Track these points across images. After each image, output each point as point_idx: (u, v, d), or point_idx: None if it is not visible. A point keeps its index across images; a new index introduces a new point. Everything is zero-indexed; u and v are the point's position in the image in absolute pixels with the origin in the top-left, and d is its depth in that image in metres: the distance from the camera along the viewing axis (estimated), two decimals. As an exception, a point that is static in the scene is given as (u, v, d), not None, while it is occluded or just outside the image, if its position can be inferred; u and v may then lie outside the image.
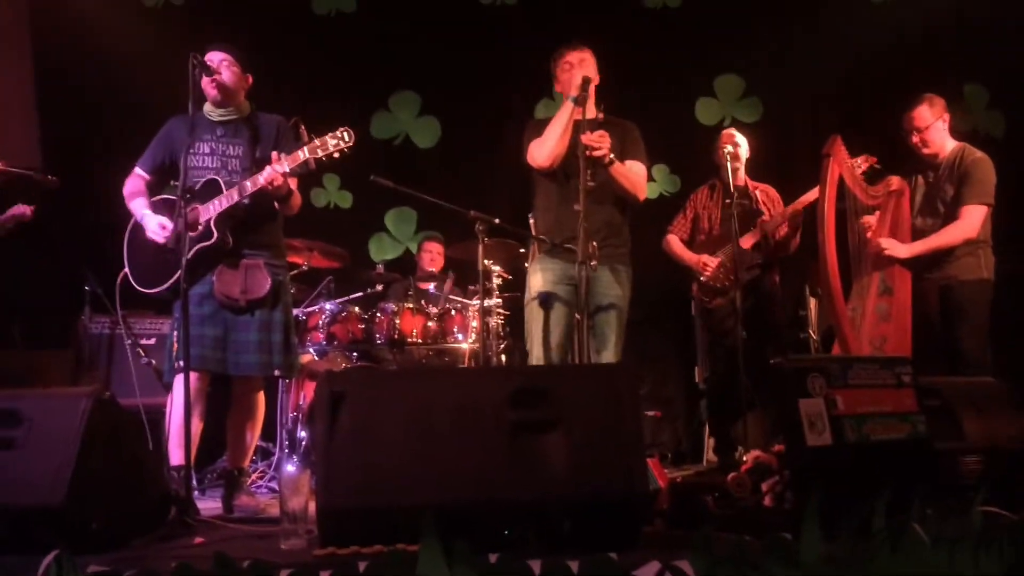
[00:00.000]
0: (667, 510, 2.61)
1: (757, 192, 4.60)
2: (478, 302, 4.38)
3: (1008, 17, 5.80)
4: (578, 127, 3.51)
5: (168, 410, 3.35)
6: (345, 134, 3.32)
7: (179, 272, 3.13)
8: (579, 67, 3.65)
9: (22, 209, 4.35)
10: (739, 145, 4.58)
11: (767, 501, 2.47)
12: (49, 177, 4.16)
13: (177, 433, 3.26)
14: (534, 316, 3.67)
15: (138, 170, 3.65)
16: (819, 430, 2.26)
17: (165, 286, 3.44)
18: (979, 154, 4.04)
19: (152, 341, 4.93)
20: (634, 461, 2.26)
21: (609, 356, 3.58)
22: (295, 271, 4.88)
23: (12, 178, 4.28)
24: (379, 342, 4.81)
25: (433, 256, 5.72)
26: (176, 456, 3.29)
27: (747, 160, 4.64)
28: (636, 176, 3.71)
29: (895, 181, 4.08)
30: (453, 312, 4.90)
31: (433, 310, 4.90)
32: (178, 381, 3.27)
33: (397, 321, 4.77)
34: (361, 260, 5.94)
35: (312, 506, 2.37)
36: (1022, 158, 5.32)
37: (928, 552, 2.07)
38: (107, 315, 4.83)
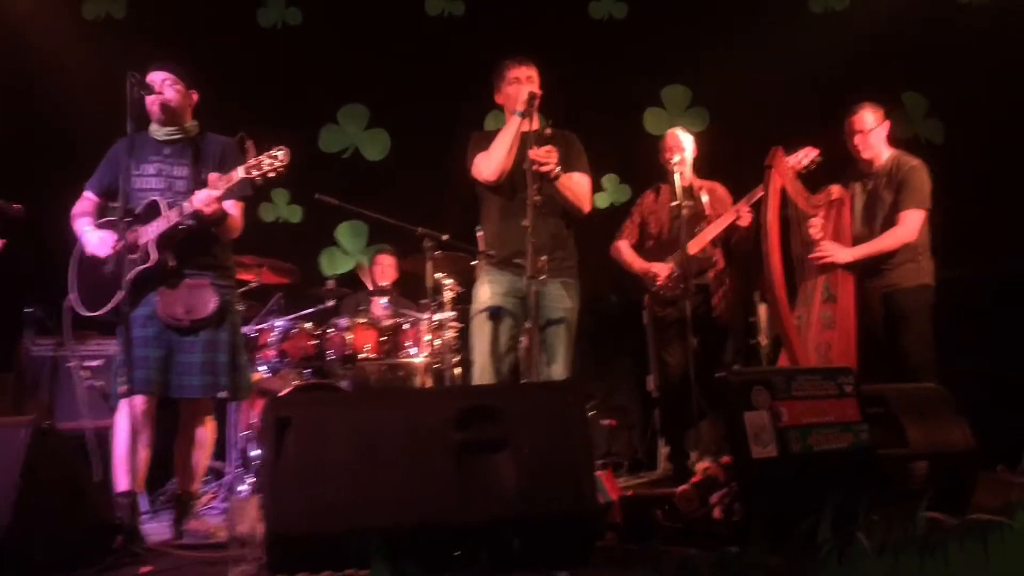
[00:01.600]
0: (619, 523, 2.62)
1: (703, 192, 4.58)
2: (428, 316, 4.36)
3: (945, 26, 5.96)
4: (524, 141, 3.52)
5: (114, 435, 3.29)
6: (280, 153, 3.26)
7: (120, 295, 3.08)
8: (526, 83, 3.66)
9: None
10: (683, 148, 4.57)
11: (716, 513, 2.49)
12: (13, 206, 4.04)
13: (122, 459, 3.20)
14: (480, 328, 3.66)
15: (87, 193, 3.61)
16: (764, 442, 2.29)
17: (107, 308, 3.37)
18: (915, 161, 4.14)
19: (99, 363, 4.83)
20: (583, 477, 2.27)
21: (559, 370, 3.59)
22: (244, 288, 4.81)
23: None
24: (331, 358, 4.76)
25: (384, 268, 5.67)
26: (122, 482, 3.22)
27: (693, 159, 4.65)
28: (581, 188, 3.73)
29: (835, 190, 4.16)
30: (406, 327, 4.87)
31: (386, 324, 4.86)
32: (122, 405, 3.21)
33: (349, 337, 4.73)
34: (312, 275, 5.89)
35: (262, 530, 2.34)
36: (961, 165, 5.47)
37: (873, 561, 2.11)
38: (49, 338, 4.73)
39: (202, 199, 3.26)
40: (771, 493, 2.19)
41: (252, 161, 3.28)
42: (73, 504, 2.65)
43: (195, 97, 3.61)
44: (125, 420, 3.21)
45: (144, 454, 3.29)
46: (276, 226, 6.28)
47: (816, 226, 4.14)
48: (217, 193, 3.27)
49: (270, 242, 5.47)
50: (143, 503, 3.26)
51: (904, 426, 2.74)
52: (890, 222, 4.06)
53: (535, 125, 3.60)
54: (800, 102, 6.00)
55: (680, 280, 4.32)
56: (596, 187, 5.87)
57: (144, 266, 3.30)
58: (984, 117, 5.94)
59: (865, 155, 4.18)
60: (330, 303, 5.22)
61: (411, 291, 5.62)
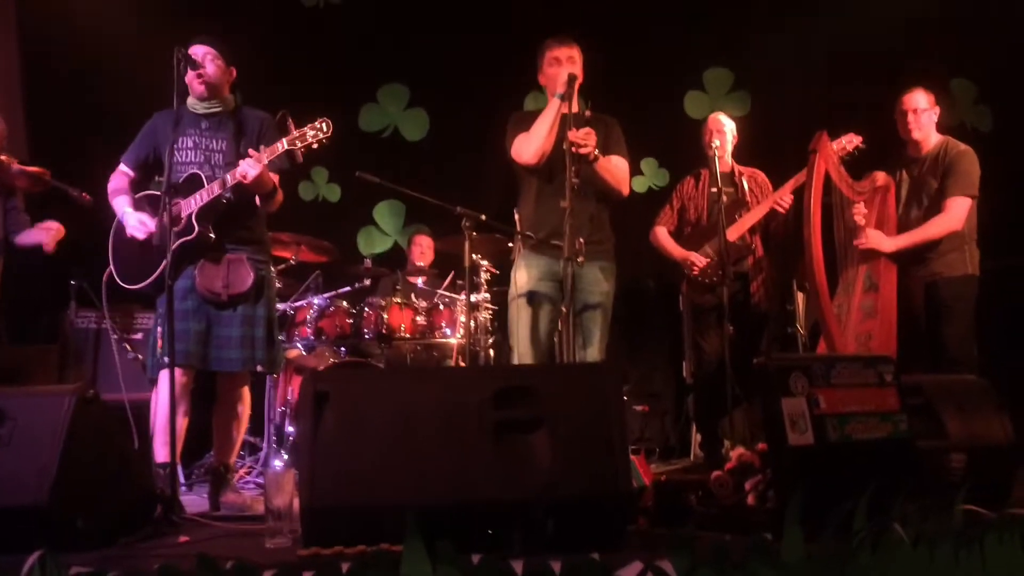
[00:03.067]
0: (651, 508, 2.62)
1: (744, 179, 4.55)
2: (465, 297, 4.37)
3: (995, 11, 5.82)
4: (564, 123, 3.50)
5: (153, 406, 3.35)
6: (323, 124, 3.31)
7: (161, 267, 3.13)
8: (567, 63, 3.64)
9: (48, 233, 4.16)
10: (725, 133, 4.52)
11: (750, 500, 2.48)
12: (84, 195, 4.09)
13: (162, 430, 3.25)
14: (519, 313, 3.66)
15: (122, 166, 3.65)
16: (801, 429, 2.27)
17: (147, 281, 3.43)
18: (963, 147, 4.06)
19: (139, 336, 4.92)
20: (618, 460, 2.26)
21: (594, 353, 3.58)
22: (283, 265, 4.87)
23: (50, 189, 4.22)
24: (367, 337, 4.81)
25: (423, 250, 5.71)
26: (161, 453, 3.28)
27: (734, 145, 4.60)
28: (620, 171, 3.72)
29: (880, 177, 4.10)
30: (441, 307, 4.90)
31: (422, 304, 4.90)
32: (162, 377, 3.26)
33: (385, 316, 4.77)
34: (349, 254, 5.93)
35: (297, 504, 2.37)
36: (1010, 153, 5.35)
37: (908, 551, 2.09)
38: (93, 310, 4.83)
39: (245, 170, 3.30)
40: (807, 481, 2.17)
41: (296, 132, 3.31)
42: (115, 473, 2.69)
43: (234, 73, 3.63)
44: (164, 392, 3.24)
45: (181, 425, 3.34)
46: (315, 204, 6.34)
47: (860, 212, 4.08)
48: (261, 163, 3.30)
49: (308, 220, 5.53)
50: (180, 475, 3.32)
51: (943, 418, 2.70)
52: (936, 209, 3.99)
53: (575, 107, 3.58)
54: (844, 88, 5.90)
55: (718, 267, 4.29)
56: (635, 171, 5.84)
57: (186, 238, 3.35)
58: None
59: (915, 135, 4.09)
60: (367, 282, 5.27)
61: (446, 272, 5.65)
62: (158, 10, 6.15)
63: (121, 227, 3.58)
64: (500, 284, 5.02)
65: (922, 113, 4.08)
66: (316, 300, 4.85)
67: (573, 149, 3.42)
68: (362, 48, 6.34)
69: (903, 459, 2.43)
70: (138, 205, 3.57)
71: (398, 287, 5.18)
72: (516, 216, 3.93)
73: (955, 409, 2.72)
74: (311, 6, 6.46)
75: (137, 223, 3.48)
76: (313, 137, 3.31)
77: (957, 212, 3.95)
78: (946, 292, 3.96)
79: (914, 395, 2.66)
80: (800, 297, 5.35)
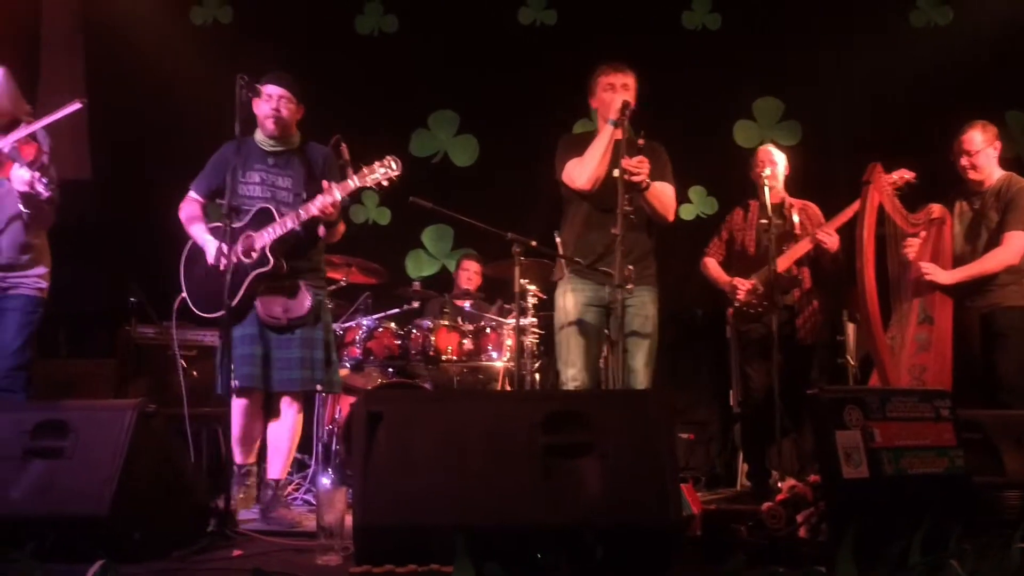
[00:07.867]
0: (700, 537, 2.60)
1: (794, 211, 4.51)
2: (513, 320, 4.40)
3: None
4: (616, 150, 3.52)
5: (232, 417, 3.48)
6: (392, 163, 3.39)
7: (240, 294, 3.36)
8: (621, 90, 3.66)
9: None
10: (776, 164, 4.49)
11: (802, 533, 2.45)
12: None
13: (237, 439, 3.53)
14: (565, 339, 3.67)
15: (193, 194, 3.75)
16: (855, 462, 2.25)
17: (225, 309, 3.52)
18: None
19: (193, 352, 5.01)
20: (668, 488, 2.26)
21: (641, 378, 3.57)
22: (333, 287, 4.94)
23: None
24: (414, 358, 4.86)
25: (470, 275, 5.75)
26: (239, 456, 3.58)
27: (785, 177, 4.57)
28: (667, 199, 3.72)
29: (936, 209, 4.05)
30: (488, 330, 4.93)
31: (468, 327, 4.93)
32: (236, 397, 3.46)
33: (432, 338, 4.82)
34: (398, 277, 6.00)
35: (348, 521, 2.40)
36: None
37: (965, 589, 2.05)
38: (152, 325, 4.94)
39: (321, 206, 3.40)
40: (861, 515, 2.15)
41: (365, 169, 3.40)
42: (172, 486, 2.76)
43: (303, 111, 3.72)
44: (240, 408, 3.49)
45: (259, 434, 3.65)
46: (365, 227, 6.42)
47: (912, 246, 4.04)
48: (337, 199, 3.41)
49: (359, 243, 5.59)
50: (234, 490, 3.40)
51: (1001, 454, 2.66)
52: (994, 243, 3.94)
53: (626, 133, 3.60)
54: (897, 119, 5.85)
55: (764, 296, 4.27)
56: (683, 199, 5.84)
57: (262, 269, 3.47)
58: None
59: (975, 176, 4.04)
60: (415, 304, 5.32)
61: (493, 296, 5.68)
62: (219, 36, 6.34)
63: (193, 255, 3.69)
64: (547, 309, 5.03)
65: (976, 155, 4.02)
66: (365, 321, 4.92)
67: (626, 176, 3.43)
68: (414, 75, 6.43)
69: (959, 495, 2.39)
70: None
71: (445, 310, 5.22)
72: (557, 239, 3.93)
73: (1013, 444, 2.67)
74: (366, 34, 6.59)
75: (216, 252, 3.57)
76: (383, 175, 3.40)
77: (1015, 247, 3.89)
78: (1002, 322, 3.90)
79: (972, 430, 2.63)
80: (851, 328, 5.29)
